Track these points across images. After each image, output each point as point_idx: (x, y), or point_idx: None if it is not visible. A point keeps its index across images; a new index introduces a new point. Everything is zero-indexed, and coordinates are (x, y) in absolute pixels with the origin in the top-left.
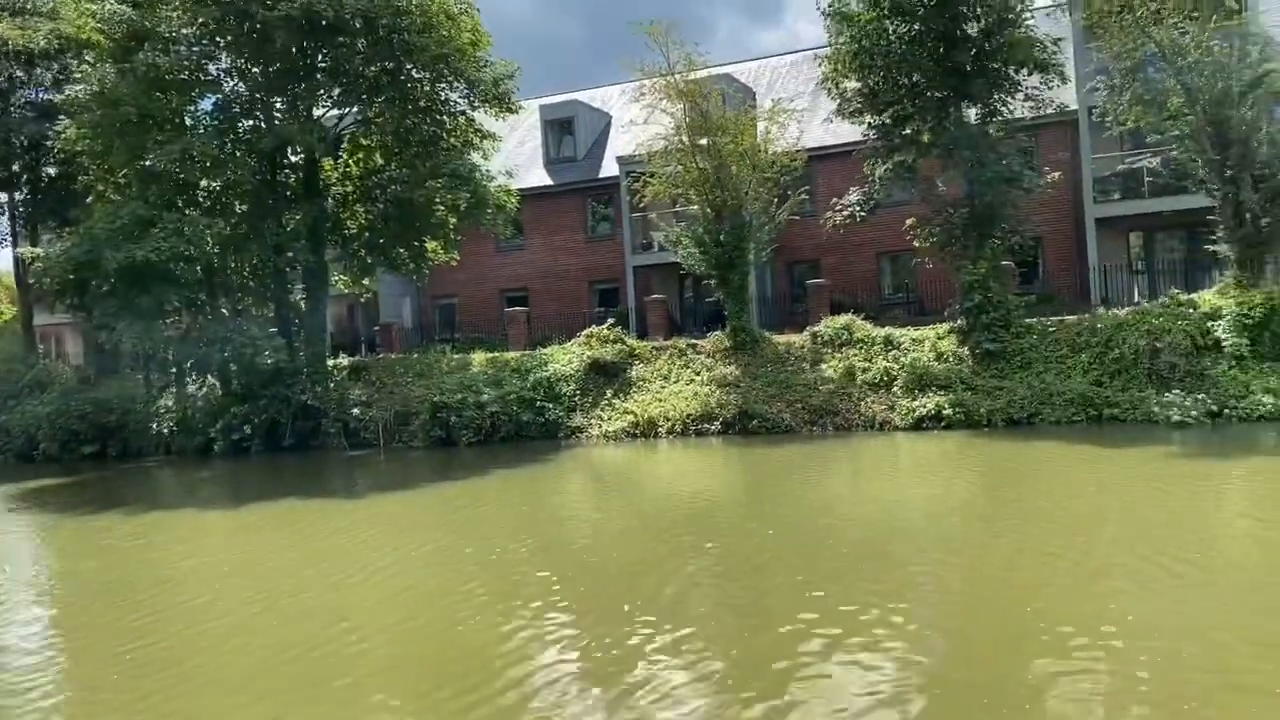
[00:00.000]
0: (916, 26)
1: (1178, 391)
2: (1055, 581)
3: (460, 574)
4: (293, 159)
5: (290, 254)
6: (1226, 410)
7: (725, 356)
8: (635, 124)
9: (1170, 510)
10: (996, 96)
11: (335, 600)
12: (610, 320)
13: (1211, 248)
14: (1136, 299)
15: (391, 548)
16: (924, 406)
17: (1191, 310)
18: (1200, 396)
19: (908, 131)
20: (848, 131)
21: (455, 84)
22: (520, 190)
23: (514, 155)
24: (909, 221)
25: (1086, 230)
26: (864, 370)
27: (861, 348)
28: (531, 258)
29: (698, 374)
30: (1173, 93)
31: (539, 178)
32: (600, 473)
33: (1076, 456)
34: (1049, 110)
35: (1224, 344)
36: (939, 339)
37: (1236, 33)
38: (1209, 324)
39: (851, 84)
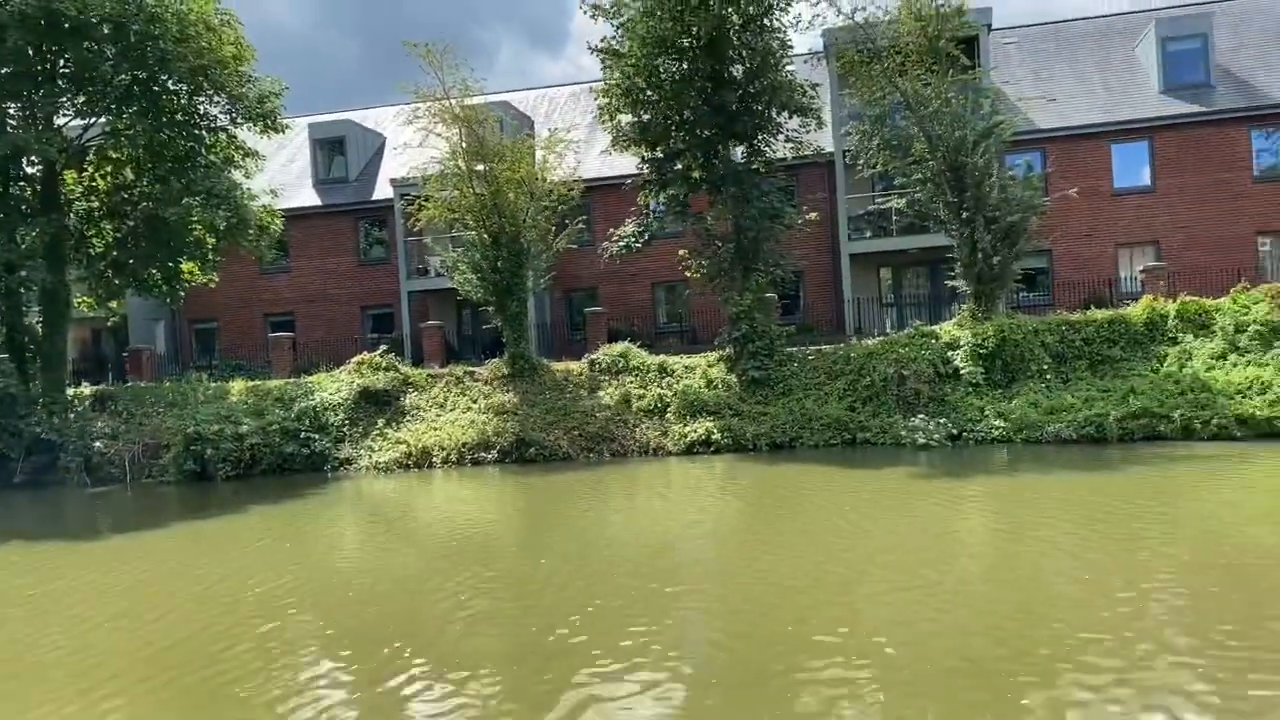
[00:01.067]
0: (685, 66)
1: (922, 416)
2: (814, 590)
3: (211, 619)
4: (29, 170)
5: (24, 273)
6: (964, 433)
7: (503, 384)
8: (410, 146)
9: (914, 525)
10: (760, 137)
11: (55, 658)
12: (383, 347)
13: (951, 283)
14: (887, 329)
15: (126, 593)
16: (695, 432)
17: (934, 340)
18: (941, 420)
19: (679, 166)
20: (625, 164)
21: (215, 98)
22: (287, 211)
23: (281, 174)
24: (681, 253)
25: (842, 265)
26: (639, 397)
27: (637, 375)
28: (299, 281)
29: (475, 402)
30: (916, 139)
31: (308, 198)
32: (369, 505)
33: (832, 478)
34: (808, 152)
35: (962, 372)
36: (709, 367)
37: (971, 86)
38: (949, 353)
39: (626, 117)
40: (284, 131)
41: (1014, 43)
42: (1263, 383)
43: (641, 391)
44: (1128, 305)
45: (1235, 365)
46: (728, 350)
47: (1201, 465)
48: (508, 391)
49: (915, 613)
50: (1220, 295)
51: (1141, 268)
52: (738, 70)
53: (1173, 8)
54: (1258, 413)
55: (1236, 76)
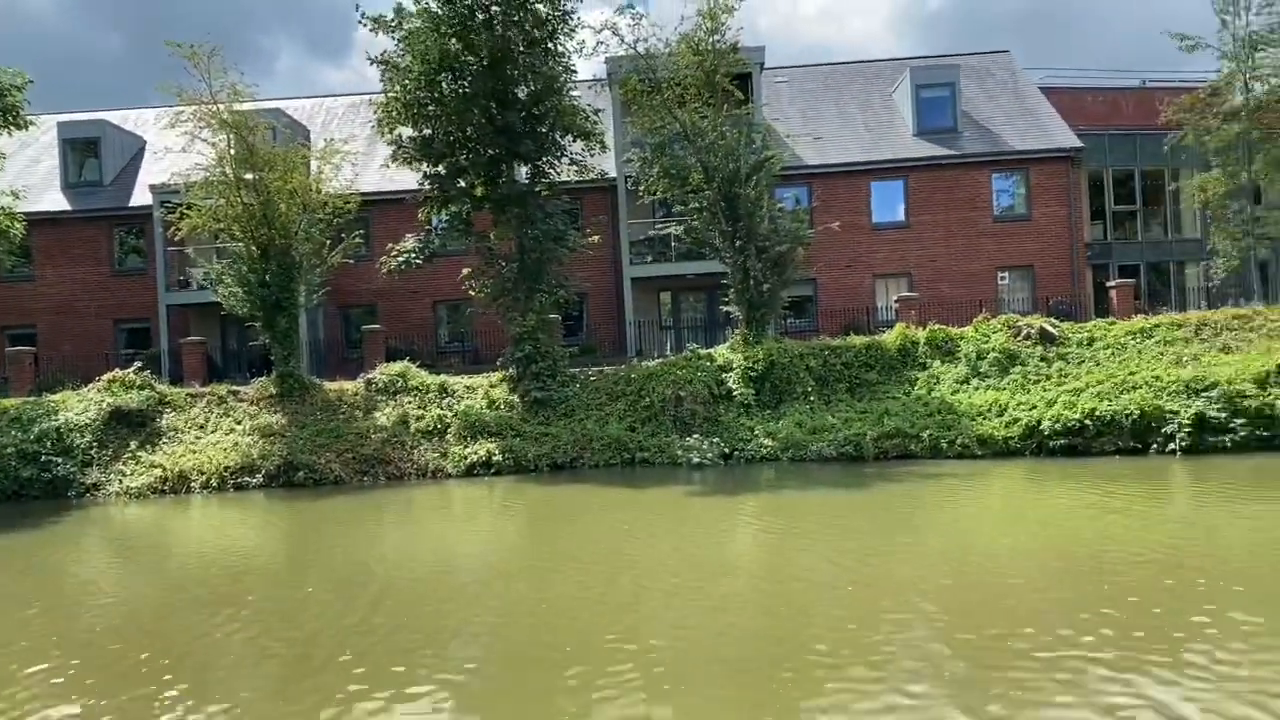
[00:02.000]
0: (469, 84)
1: (697, 436)
2: (597, 606)
3: None
4: None
5: None
6: (736, 452)
7: (271, 404)
8: (173, 151)
9: (688, 540)
10: (545, 159)
11: None
12: (138, 363)
13: (725, 308)
14: (666, 352)
15: None
16: (476, 453)
17: (709, 363)
18: (715, 440)
19: (462, 184)
20: (407, 178)
21: None
22: (30, 214)
23: (24, 175)
24: (464, 272)
25: (624, 288)
26: (418, 418)
27: (416, 395)
28: (43, 290)
29: (239, 423)
30: (694, 169)
31: (54, 202)
32: (118, 534)
33: (612, 497)
34: (591, 175)
35: (734, 393)
36: (492, 387)
37: (744, 121)
38: (723, 375)
39: (407, 131)
40: (26, 128)
41: (785, 82)
42: (1000, 405)
43: (420, 412)
44: (883, 332)
45: (977, 389)
46: (510, 371)
47: (947, 481)
48: (276, 412)
49: (690, 620)
50: (964, 324)
51: (896, 298)
52: (522, 91)
53: (926, 58)
54: (995, 433)
55: (980, 124)
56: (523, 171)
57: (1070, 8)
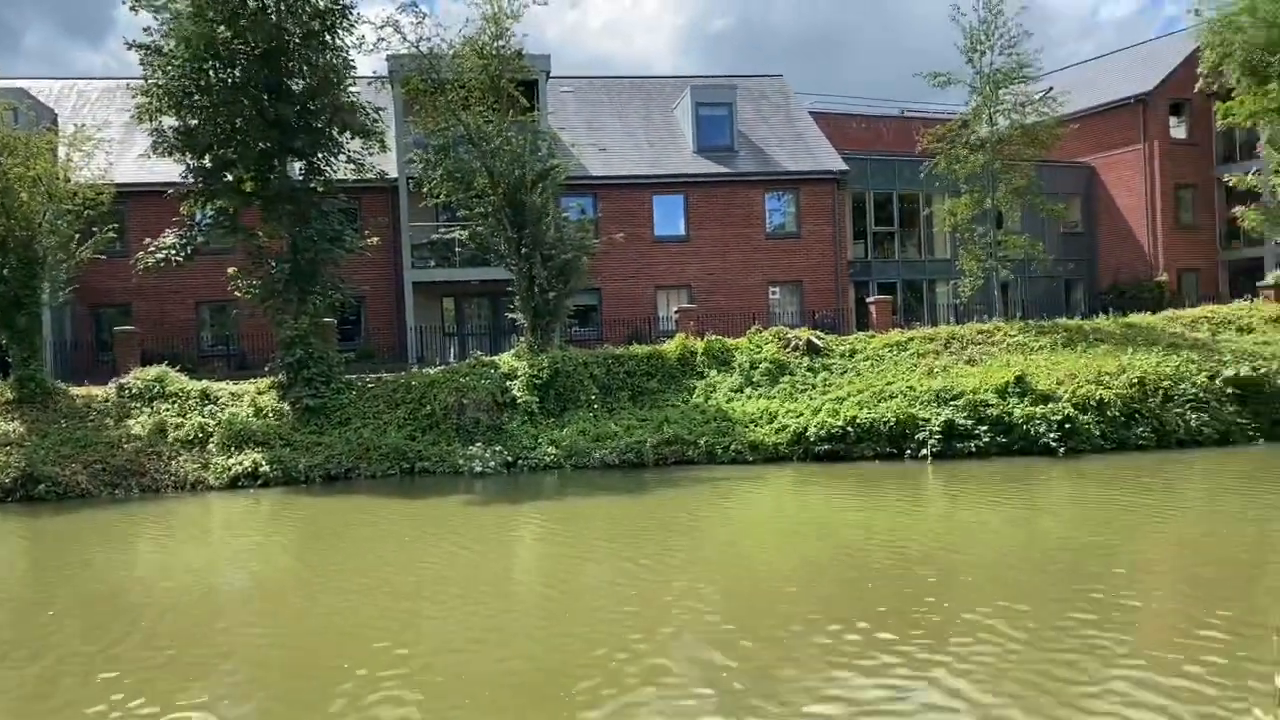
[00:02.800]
0: (239, 73)
1: (480, 444)
2: (372, 623)
3: None
4: None
5: None
6: (519, 460)
7: (7, 410)
8: None
9: (470, 550)
10: (321, 155)
11: None
12: None
13: (510, 315)
14: (450, 359)
15: None
16: (241, 464)
17: (493, 370)
18: (498, 449)
19: (230, 178)
20: (168, 170)
21: None
22: None
23: None
24: (231, 271)
25: (405, 292)
26: (177, 426)
27: (175, 402)
28: None
29: None
30: (478, 174)
31: None
32: None
33: (390, 508)
34: (371, 175)
35: (519, 401)
36: (259, 394)
37: (530, 128)
38: (507, 383)
39: (169, 120)
40: None
41: (571, 92)
42: (770, 413)
43: (180, 420)
44: (664, 342)
45: (750, 398)
46: (280, 377)
47: (722, 486)
48: (13, 419)
49: (469, 632)
50: (739, 336)
51: (676, 308)
52: (297, 84)
53: (706, 77)
54: (766, 439)
55: (755, 144)
56: (297, 168)
57: (838, 38)
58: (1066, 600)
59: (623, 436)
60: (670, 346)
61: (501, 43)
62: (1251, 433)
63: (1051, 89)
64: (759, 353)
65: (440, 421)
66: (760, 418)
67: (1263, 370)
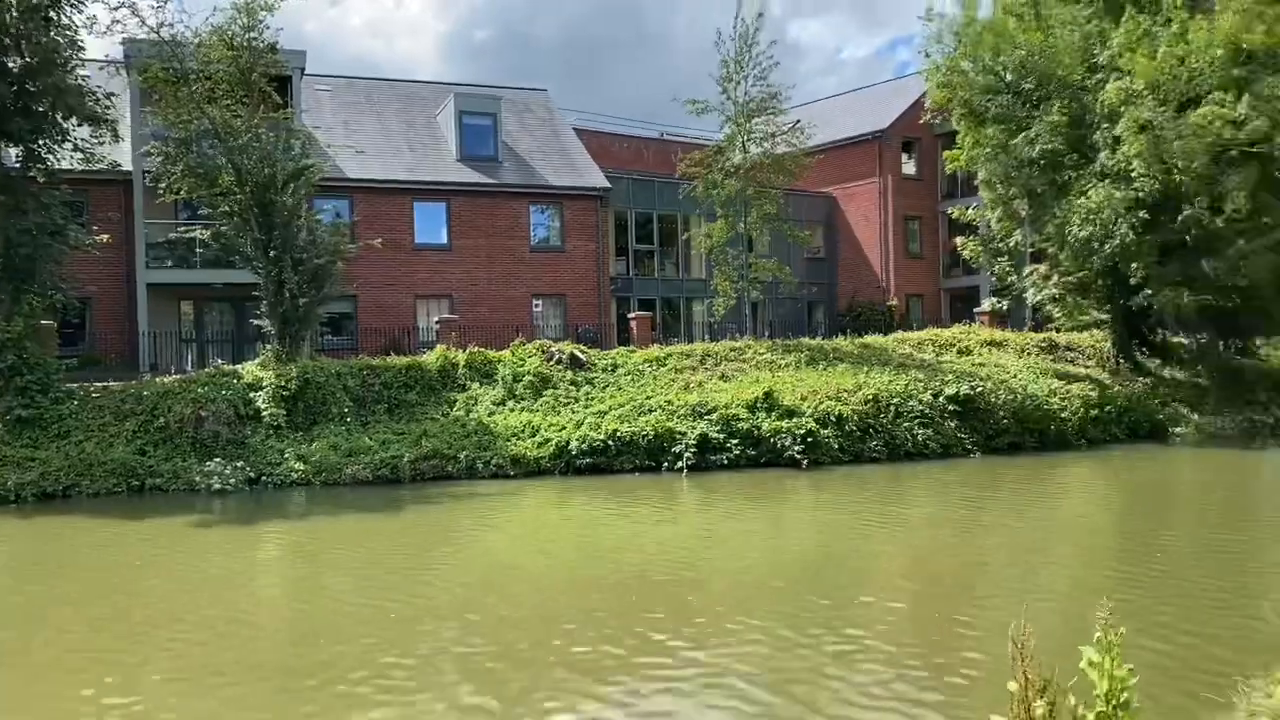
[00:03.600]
0: None
1: (219, 460)
2: (89, 653)
3: None
4: None
5: None
6: (264, 476)
7: None
8: None
9: (200, 574)
10: (41, 141)
11: None
12: None
13: (256, 322)
14: (187, 367)
15: None
16: None
17: (235, 381)
18: (240, 464)
19: None
20: None
21: None
22: None
23: None
24: None
25: (138, 295)
26: None
27: None
28: None
29: None
30: (224, 170)
31: None
32: None
33: (114, 531)
34: (100, 165)
35: (263, 414)
36: None
37: (283, 125)
38: (251, 394)
39: None
40: None
41: (328, 91)
42: (533, 426)
43: None
44: (424, 353)
45: (512, 411)
46: None
47: (483, 501)
48: None
49: (198, 666)
50: (502, 348)
51: (437, 319)
52: (14, 62)
53: (471, 85)
54: (528, 453)
55: (519, 157)
56: (13, 153)
57: (602, 57)
58: (811, 604)
59: (378, 451)
60: (430, 358)
61: (254, 34)
62: (969, 446)
63: (799, 121)
64: (522, 365)
65: (175, 435)
66: (523, 431)
67: (979, 389)
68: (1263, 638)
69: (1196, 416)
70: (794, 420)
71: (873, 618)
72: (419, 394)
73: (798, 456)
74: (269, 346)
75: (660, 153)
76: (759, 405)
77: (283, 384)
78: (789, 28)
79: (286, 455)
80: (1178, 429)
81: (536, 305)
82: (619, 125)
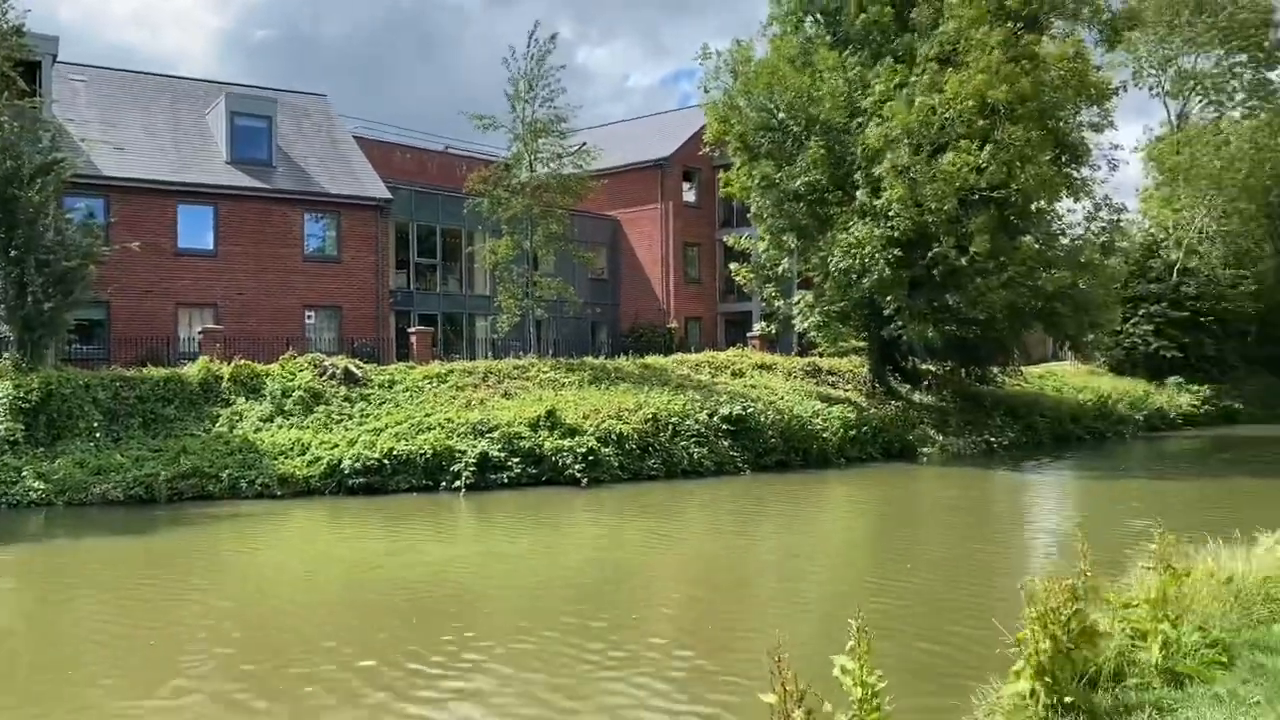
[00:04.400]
0: None
1: None
2: None
3: None
4: None
5: None
6: None
7: None
8: None
9: None
10: None
11: None
12: None
13: None
14: None
15: None
16: None
17: None
18: None
19: None
20: None
21: None
22: None
23: None
24: None
25: None
26: None
27: None
28: None
29: None
30: None
31: None
32: None
33: None
34: None
35: None
36: None
37: (30, 115)
38: None
39: None
40: None
41: (84, 81)
42: (303, 444)
43: None
44: (185, 365)
45: (281, 427)
46: None
47: (245, 523)
48: None
49: None
50: (271, 361)
51: (200, 329)
52: None
53: (244, 85)
54: (298, 472)
55: (295, 162)
56: None
57: (387, 65)
58: (584, 620)
59: (131, 469)
60: (192, 370)
61: None
62: (741, 464)
63: (585, 144)
64: (293, 380)
65: None
66: (292, 449)
67: (750, 410)
68: (997, 643)
69: (941, 438)
70: (576, 439)
71: (649, 631)
72: (178, 408)
73: (578, 475)
74: (7, 354)
75: (445, 166)
76: (541, 423)
77: (22, 395)
78: (577, 53)
79: (24, 473)
80: (925, 449)
81: (310, 317)
82: (403, 135)
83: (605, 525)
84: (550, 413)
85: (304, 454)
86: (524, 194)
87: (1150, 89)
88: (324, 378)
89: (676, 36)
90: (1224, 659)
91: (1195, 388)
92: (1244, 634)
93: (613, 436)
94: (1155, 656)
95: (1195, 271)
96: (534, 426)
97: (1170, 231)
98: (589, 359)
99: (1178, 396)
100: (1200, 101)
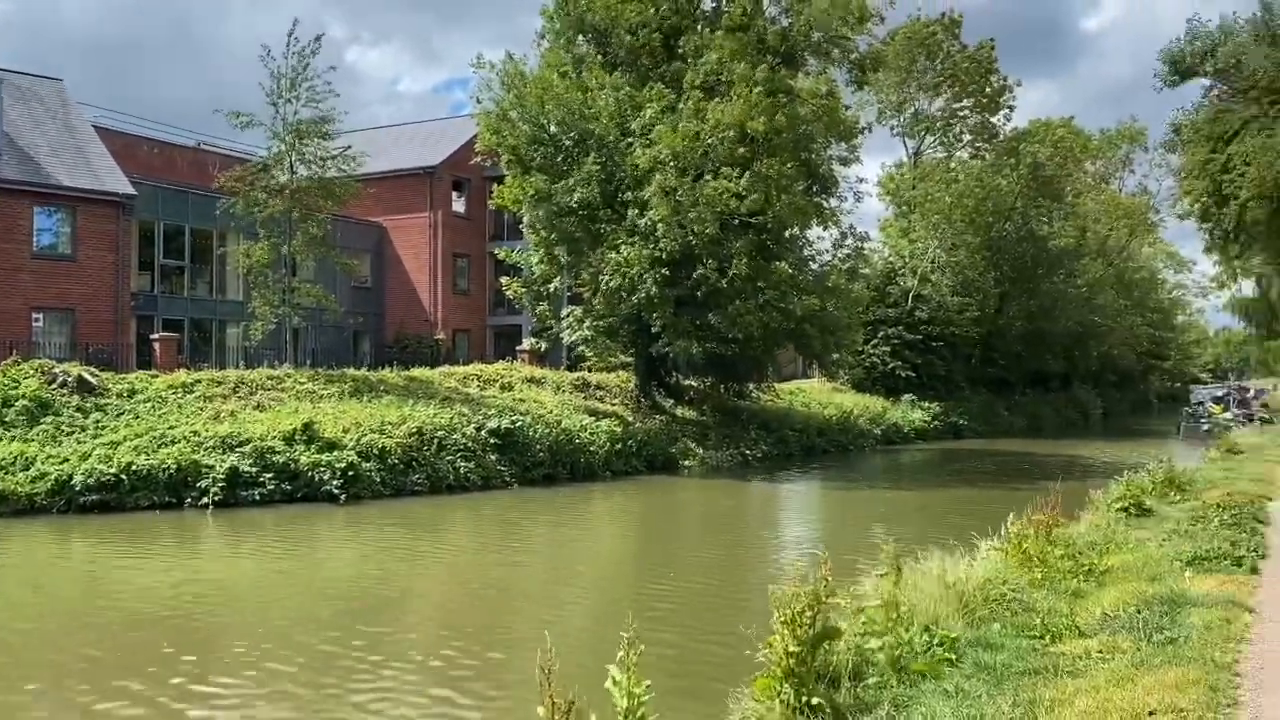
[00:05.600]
0: None
1: None
2: None
3: None
4: None
5: None
6: None
7: None
8: None
9: None
10: None
11: None
12: None
13: None
14: None
15: None
16: None
17: None
18: None
19: None
20: None
21: None
22: None
23: None
24: None
25: None
26: None
27: None
28: None
29: None
30: None
31: None
32: None
33: None
34: None
35: None
36: None
37: None
38: None
39: None
40: None
41: None
42: (27, 458)
43: None
44: None
45: (0, 440)
46: None
47: None
48: None
49: None
50: None
51: None
52: None
53: None
54: (19, 489)
55: (23, 151)
56: None
57: (134, 52)
58: (337, 641)
59: None
60: None
61: None
62: (509, 478)
63: (351, 147)
64: (16, 388)
65: None
66: (13, 463)
67: (519, 424)
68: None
69: (702, 451)
70: (335, 453)
71: (411, 647)
72: None
73: (336, 491)
74: None
75: (197, 163)
76: (298, 437)
77: None
78: (347, 53)
79: None
80: (687, 462)
81: (38, 320)
82: (151, 129)
83: (365, 543)
84: (307, 426)
85: (27, 469)
86: (283, 196)
87: (891, 128)
88: (53, 386)
89: (450, 43)
90: (951, 656)
91: (926, 405)
92: (967, 633)
93: (375, 451)
94: (889, 656)
95: (928, 298)
96: (289, 440)
97: (906, 260)
98: (350, 370)
99: (911, 412)
100: (932, 141)
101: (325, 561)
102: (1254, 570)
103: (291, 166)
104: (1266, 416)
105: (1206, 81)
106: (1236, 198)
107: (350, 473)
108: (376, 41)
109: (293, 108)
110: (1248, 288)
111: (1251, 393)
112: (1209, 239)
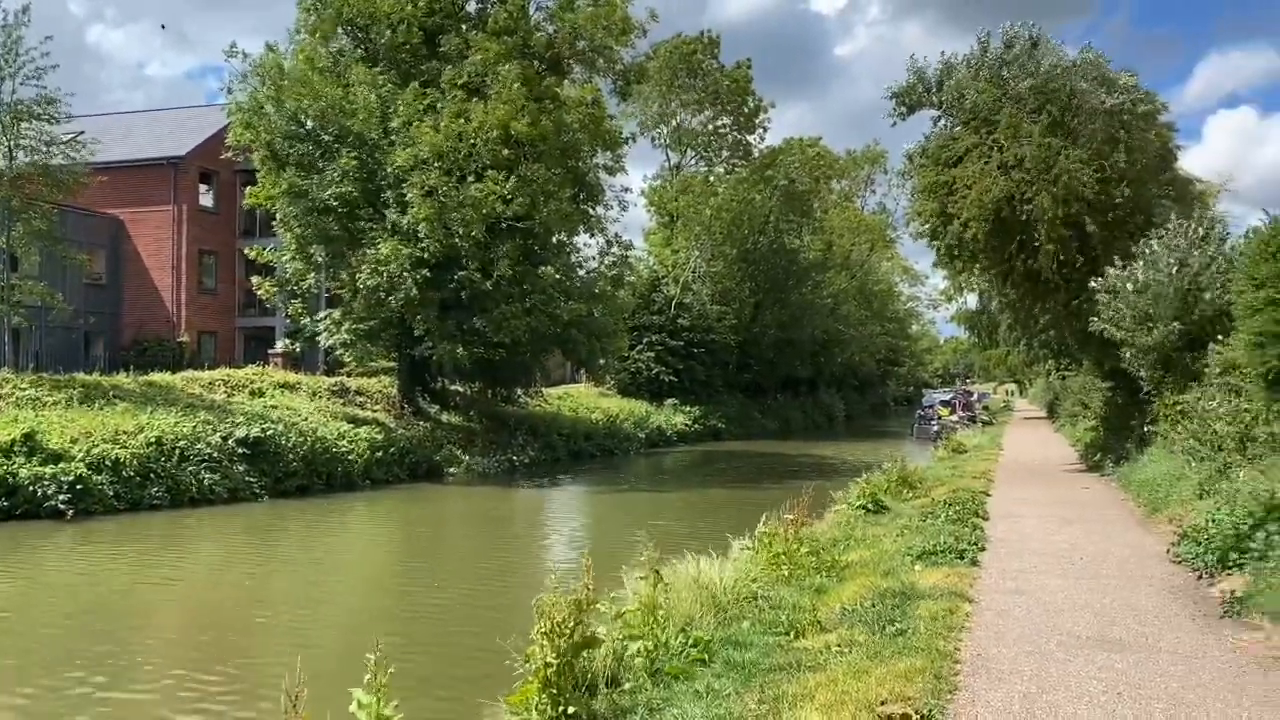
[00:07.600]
0: None
1: None
2: None
3: None
4: None
5: None
6: None
7: None
8: None
9: None
10: None
11: None
12: None
13: None
14: None
15: None
16: None
17: None
18: None
19: None
20: None
21: None
22: None
23: None
24: None
25: None
26: None
27: None
28: None
29: None
30: None
31: None
32: None
33: None
34: None
35: None
36: None
37: None
38: None
39: None
40: None
41: None
42: None
43: None
44: None
45: None
46: None
47: None
48: None
49: None
50: None
51: None
52: None
53: None
54: None
55: None
56: None
57: None
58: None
59: None
60: None
61: None
62: (259, 490)
63: (84, 133)
64: None
65: None
66: None
67: (271, 432)
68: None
69: (467, 457)
70: (60, 466)
71: (148, 678)
72: None
73: (61, 507)
74: None
75: None
76: (16, 448)
77: None
78: (89, 31)
79: None
80: (452, 469)
81: None
82: None
83: (94, 562)
84: (28, 436)
85: None
86: (1, 183)
87: (654, 140)
88: None
89: (204, 28)
90: (704, 656)
91: (688, 408)
92: (719, 632)
93: (107, 463)
94: (644, 660)
95: (689, 306)
96: (7, 453)
97: (669, 269)
98: (80, 375)
99: (674, 416)
100: (694, 156)
101: (51, 583)
102: (974, 563)
103: (10, 152)
104: (987, 419)
105: (935, 112)
106: (959, 217)
107: (79, 486)
108: (123, 20)
109: (9, 86)
110: (972, 300)
111: (975, 396)
112: (938, 255)
